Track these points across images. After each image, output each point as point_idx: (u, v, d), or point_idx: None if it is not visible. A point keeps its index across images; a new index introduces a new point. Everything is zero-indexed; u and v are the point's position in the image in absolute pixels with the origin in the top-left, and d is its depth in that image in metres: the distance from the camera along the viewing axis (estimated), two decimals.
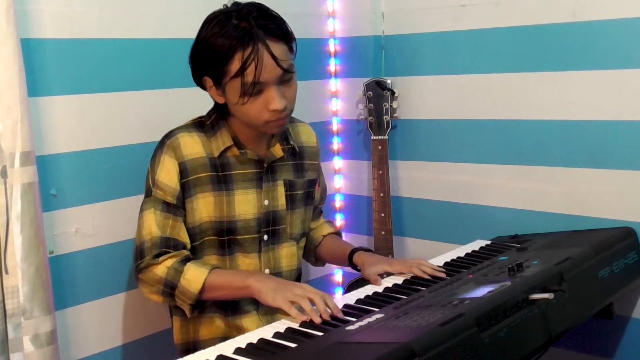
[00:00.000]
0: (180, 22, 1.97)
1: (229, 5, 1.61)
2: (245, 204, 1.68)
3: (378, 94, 2.26)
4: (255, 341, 1.34)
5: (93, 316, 1.86)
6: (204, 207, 1.65)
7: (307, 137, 1.85)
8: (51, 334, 1.64)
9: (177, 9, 1.96)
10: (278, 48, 1.56)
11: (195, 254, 1.68)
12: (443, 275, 1.66)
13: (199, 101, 1.96)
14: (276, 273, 1.74)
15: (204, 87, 1.66)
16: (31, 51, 1.66)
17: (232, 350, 1.30)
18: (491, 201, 2.15)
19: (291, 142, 1.77)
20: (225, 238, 1.68)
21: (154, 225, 1.62)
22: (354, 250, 1.80)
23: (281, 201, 1.74)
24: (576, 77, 1.94)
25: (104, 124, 1.83)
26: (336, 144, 2.49)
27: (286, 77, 1.59)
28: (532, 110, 2.04)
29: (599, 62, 1.90)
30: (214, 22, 1.56)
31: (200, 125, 1.70)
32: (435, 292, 1.51)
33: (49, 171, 1.73)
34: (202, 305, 1.64)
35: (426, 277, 1.65)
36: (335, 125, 2.49)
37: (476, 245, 1.97)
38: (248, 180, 1.69)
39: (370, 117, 2.27)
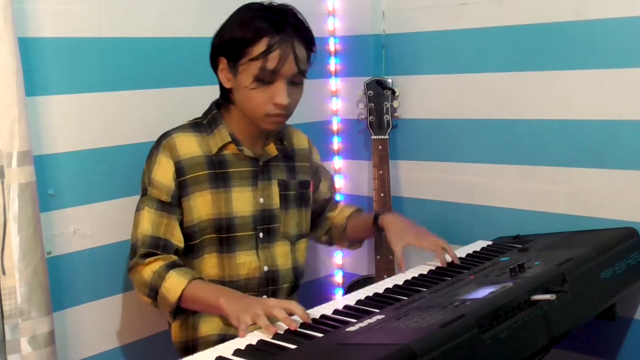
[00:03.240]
0: (179, 21, 1.96)
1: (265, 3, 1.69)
2: (242, 201, 1.71)
3: (378, 93, 2.25)
4: (254, 342, 1.33)
5: (91, 317, 1.84)
6: (202, 205, 1.67)
7: (297, 140, 1.88)
8: (49, 335, 1.63)
9: (176, 7, 1.95)
10: (301, 50, 1.65)
11: (195, 252, 1.70)
12: (458, 263, 1.73)
13: (198, 100, 1.95)
14: (274, 270, 1.75)
15: (215, 68, 1.70)
16: (29, 50, 1.65)
17: (231, 352, 1.30)
18: (493, 201, 2.14)
19: (285, 143, 1.81)
20: (224, 235, 1.69)
21: (147, 223, 1.64)
22: (378, 214, 1.84)
23: (275, 200, 1.76)
24: (578, 76, 1.93)
25: (102, 124, 1.82)
26: (336, 143, 2.48)
27: (297, 80, 1.67)
28: (534, 109, 2.03)
29: (602, 62, 1.89)
30: (249, 7, 1.66)
31: (197, 125, 1.73)
32: (436, 293, 1.50)
33: (47, 171, 1.72)
34: (184, 312, 1.64)
35: (442, 264, 1.70)
36: (335, 125, 2.48)
37: (477, 245, 1.96)
38: (245, 178, 1.72)
39: (371, 117, 2.26)
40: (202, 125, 1.73)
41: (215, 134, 1.71)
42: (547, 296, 1.40)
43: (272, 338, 1.35)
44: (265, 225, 1.74)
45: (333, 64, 2.43)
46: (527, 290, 1.41)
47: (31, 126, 1.62)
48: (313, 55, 1.71)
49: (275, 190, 1.76)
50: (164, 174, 1.66)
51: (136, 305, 1.93)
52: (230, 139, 1.70)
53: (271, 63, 1.60)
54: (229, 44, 1.64)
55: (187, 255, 1.70)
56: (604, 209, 1.93)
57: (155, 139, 1.71)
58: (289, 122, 1.75)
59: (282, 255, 1.77)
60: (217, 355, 1.28)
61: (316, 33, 2.35)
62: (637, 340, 1.93)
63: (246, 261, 1.71)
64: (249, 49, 1.61)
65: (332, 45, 2.42)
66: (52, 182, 1.74)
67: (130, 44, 1.86)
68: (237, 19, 1.66)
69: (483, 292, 1.41)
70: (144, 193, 1.68)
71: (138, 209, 1.68)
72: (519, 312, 1.37)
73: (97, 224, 1.83)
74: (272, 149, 1.77)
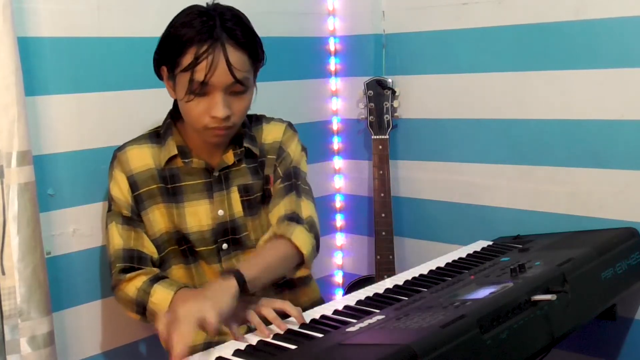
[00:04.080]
0: None
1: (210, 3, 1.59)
2: (196, 216, 1.63)
3: (379, 93, 2.25)
4: (254, 342, 1.33)
5: (91, 318, 1.84)
6: (161, 218, 1.63)
7: (270, 134, 1.72)
8: (48, 335, 1.62)
9: (176, 7, 1.94)
10: (236, 56, 1.50)
11: (163, 264, 1.66)
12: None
13: None
14: None
15: (160, 78, 1.62)
16: (28, 50, 1.65)
17: (232, 352, 1.29)
18: (493, 201, 2.14)
19: (245, 145, 1.66)
20: (185, 247, 1.66)
21: (117, 238, 1.61)
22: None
23: (237, 208, 1.66)
24: (579, 76, 1.93)
25: (101, 123, 1.82)
26: (336, 143, 2.48)
27: (237, 89, 1.52)
28: (534, 109, 2.03)
29: (602, 61, 1.89)
30: (185, 12, 1.54)
31: (156, 135, 1.66)
32: (437, 293, 1.50)
33: (46, 171, 1.71)
34: None
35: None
36: (335, 125, 2.47)
37: (478, 246, 1.95)
38: (198, 191, 1.64)
39: (371, 117, 2.26)
40: (159, 135, 1.65)
41: (165, 146, 1.63)
42: (548, 296, 1.40)
43: (272, 338, 1.35)
44: (229, 237, 1.66)
45: (333, 64, 2.43)
46: (528, 290, 1.41)
47: (30, 126, 1.62)
48: (259, 60, 1.57)
49: (235, 198, 1.65)
50: (119, 189, 1.62)
51: None
52: (176, 152, 1.61)
53: (199, 74, 1.47)
54: (163, 53, 1.55)
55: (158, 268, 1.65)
56: (604, 209, 1.93)
57: None
58: (277, 115, 1.68)
59: None
60: (217, 355, 1.28)
61: (316, 33, 2.38)
62: (638, 340, 1.93)
63: (210, 272, 1.67)
64: (180, 60, 1.49)
65: (332, 45, 2.42)
66: (51, 182, 1.73)
67: (129, 44, 1.85)
68: (171, 25, 1.54)
69: (483, 293, 1.41)
70: (109, 208, 1.64)
71: (106, 224, 1.65)
72: (519, 312, 1.36)
73: (97, 224, 1.82)
74: (229, 157, 1.64)
